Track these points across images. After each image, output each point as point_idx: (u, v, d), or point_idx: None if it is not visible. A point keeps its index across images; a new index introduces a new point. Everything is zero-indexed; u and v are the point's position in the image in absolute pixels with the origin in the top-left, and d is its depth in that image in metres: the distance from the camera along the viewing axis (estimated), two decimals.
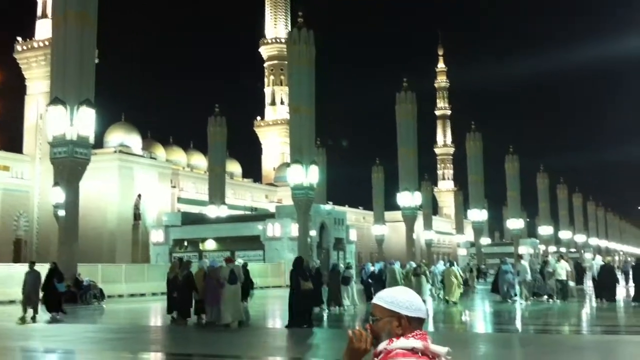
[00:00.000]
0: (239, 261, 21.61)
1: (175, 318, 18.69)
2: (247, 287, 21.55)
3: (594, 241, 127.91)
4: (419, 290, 25.54)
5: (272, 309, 27.89)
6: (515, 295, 24.59)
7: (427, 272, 26.63)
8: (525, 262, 25.17)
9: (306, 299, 17.80)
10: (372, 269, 28.22)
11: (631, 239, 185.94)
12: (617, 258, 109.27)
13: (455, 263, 27.33)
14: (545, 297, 24.97)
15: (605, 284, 25.18)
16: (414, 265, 27.60)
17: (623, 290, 29.19)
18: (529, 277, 24.47)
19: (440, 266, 29.45)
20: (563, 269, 24.84)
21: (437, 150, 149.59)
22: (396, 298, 2.47)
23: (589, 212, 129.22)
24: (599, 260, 30.81)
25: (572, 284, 26.34)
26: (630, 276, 32.54)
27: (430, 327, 17.62)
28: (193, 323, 18.25)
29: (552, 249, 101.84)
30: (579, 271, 36.92)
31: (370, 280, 26.92)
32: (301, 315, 17.26)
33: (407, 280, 26.01)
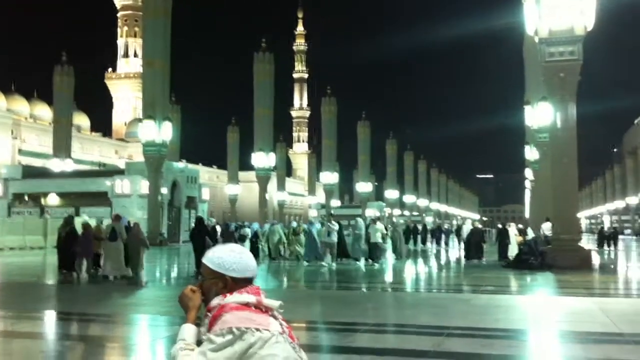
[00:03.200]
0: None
1: (65, 273, 18.90)
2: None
3: (435, 205, 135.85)
4: (299, 247, 26.95)
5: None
6: (317, 257, 24.00)
7: (304, 232, 27.49)
8: (335, 225, 24.60)
9: None
10: (257, 228, 29.26)
11: (468, 204, 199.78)
12: (454, 222, 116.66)
13: (322, 224, 28.15)
14: (355, 260, 24.86)
15: (473, 245, 28.27)
16: (295, 225, 29.35)
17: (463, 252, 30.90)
18: (334, 238, 23.93)
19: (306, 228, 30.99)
20: (378, 232, 24.95)
21: (293, 113, 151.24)
22: (223, 259, 2.49)
23: (432, 178, 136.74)
24: (469, 225, 34.02)
25: (386, 246, 27.09)
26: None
27: (277, 283, 18.18)
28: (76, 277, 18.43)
29: (397, 212, 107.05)
30: (411, 233, 39.52)
31: (254, 240, 27.99)
32: None
33: (288, 239, 27.85)
